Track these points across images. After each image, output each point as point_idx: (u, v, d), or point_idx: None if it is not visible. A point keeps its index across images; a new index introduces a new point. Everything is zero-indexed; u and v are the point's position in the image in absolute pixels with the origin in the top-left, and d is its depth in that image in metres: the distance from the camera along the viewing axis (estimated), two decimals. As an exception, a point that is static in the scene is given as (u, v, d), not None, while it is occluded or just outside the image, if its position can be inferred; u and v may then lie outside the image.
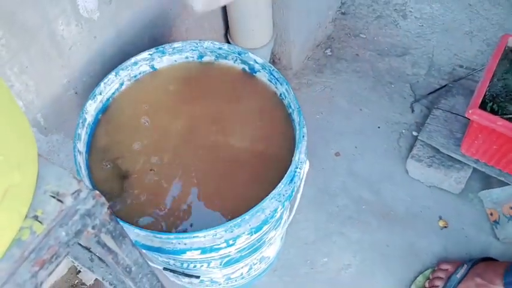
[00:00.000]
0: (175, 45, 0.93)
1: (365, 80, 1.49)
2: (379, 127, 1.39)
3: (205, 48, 0.94)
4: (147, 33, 1.02)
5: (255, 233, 0.76)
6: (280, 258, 1.19)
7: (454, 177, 1.22)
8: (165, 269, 0.91)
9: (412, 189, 1.28)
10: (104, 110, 0.90)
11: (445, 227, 1.23)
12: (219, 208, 0.82)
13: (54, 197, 0.44)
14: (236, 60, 0.94)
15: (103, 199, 0.46)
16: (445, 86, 1.42)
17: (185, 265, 0.87)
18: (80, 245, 0.88)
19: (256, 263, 1.00)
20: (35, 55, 0.79)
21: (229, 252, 0.81)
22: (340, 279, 1.17)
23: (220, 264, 0.88)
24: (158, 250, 0.75)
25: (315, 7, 1.46)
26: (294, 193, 0.80)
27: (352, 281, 1.17)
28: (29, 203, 0.43)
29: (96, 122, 0.89)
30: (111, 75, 0.89)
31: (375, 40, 1.57)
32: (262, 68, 0.91)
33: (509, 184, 1.19)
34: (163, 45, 0.93)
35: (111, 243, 0.51)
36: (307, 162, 0.83)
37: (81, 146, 0.83)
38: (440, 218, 1.24)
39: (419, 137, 1.29)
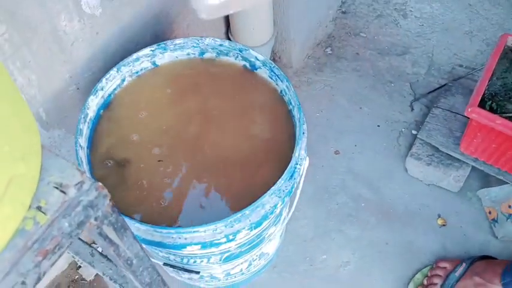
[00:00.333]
0: (177, 41, 0.94)
1: (365, 78, 1.49)
2: (378, 126, 1.40)
3: (207, 44, 0.94)
4: (149, 29, 1.02)
5: (255, 229, 0.77)
6: (279, 254, 1.20)
7: (453, 176, 1.23)
8: (165, 264, 0.91)
9: (411, 187, 1.29)
10: (106, 105, 0.91)
11: (444, 225, 1.23)
12: (219, 203, 0.82)
13: (57, 188, 0.44)
14: (237, 57, 0.94)
15: (105, 191, 0.46)
16: (444, 85, 1.42)
17: (185, 260, 0.88)
18: (81, 240, 0.88)
19: (256, 259, 1.00)
20: (38, 50, 0.80)
21: (229, 247, 0.82)
22: (339, 276, 1.18)
23: (220, 260, 0.89)
24: (158, 244, 0.75)
25: (315, 6, 1.47)
26: (293, 189, 0.80)
27: (350, 278, 1.18)
28: (33, 194, 0.43)
29: (98, 118, 0.89)
30: (113, 71, 0.90)
31: (375, 39, 1.58)
32: (263, 65, 0.91)
33: (508, 183, 1.19)
34: (165, 42, 0.93)
35: (112, 235, 0.52)
36: (307, 158, 0.84)
37: (83, 141, 0.83)
38: (439, 216, 1.24)
39: (418, 136, 1.29)
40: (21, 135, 0.42)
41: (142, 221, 0.79)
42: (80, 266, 1.15)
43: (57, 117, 0.91)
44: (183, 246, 0.75)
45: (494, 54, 1.11)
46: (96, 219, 0.47)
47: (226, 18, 1.31)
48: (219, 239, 0.75)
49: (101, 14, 0.88)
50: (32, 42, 0.78)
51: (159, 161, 0.86)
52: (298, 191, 0.88)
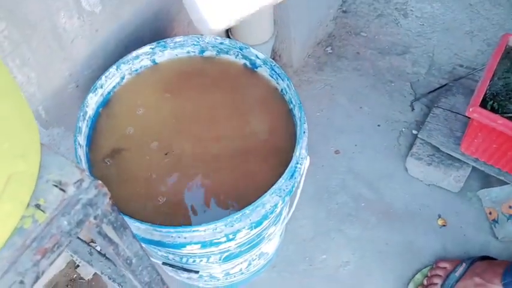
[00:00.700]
0: (177, 39, 0.93)
1: (365, 78, 1.49)
2: (379, 125, 1.39)
3: (207, 42, 0.94)
4: (149, 26, 1.02)
5: (255, 228, 0.77)
6: (279, 254, 1.19)
7: (453, 176, 1.23)
8: (164, 263, 0.91)
9: (411, 187, 1.29)
10: (105, 103, 0.90)
11: (444, 225, 1.23)
12: (218, 202, 0.82)
13: (56, 186, 0.44)
14: (237, 55, 0.94)
15: (105, 189, 0.46)
16: (445, 85, 1.42)
17: (184, 260, 0.87)
18: (79, 238, 0.88)
19: (256, 258, 1.00)
20: (37, 47, 0.79)
21: (229, 247, 0.81)
22: (339, 276, 1.17)
23: (220, 259, 0.89)
24: (158, 244, 0.75)
25: (316, 5, 1.46)
26: (294, 188, 0.80)
27: (350, 278, 1.17)
28: (32, 192, 0.43)
29: (97, 116, 0.89)
30: (112, 69, 0.89)
31: (376, 38, 1.58)
32: (264, 64, 0.91)
33: (509, 183, 1.19)
34: (164, 40, 0.93)
35: (112, 234, 0.51)
36: (308, 158, 0.83)
37: (82, 139, 0.83)
38: (439, 216, 1.24)
39: (419, 136, 1.29)
40: (20, 132, 0.42)
41: (139, 218, 0.78)
42: (78, 265, 1.15)
43: (57, 115, 0.90)
44: (183, 245, 0.74)
45: (495, 54, 1.10)
46: (95, 217, 0.46)
47: (227, 17, 1.31)
48: (219, 238, 0.74)
49: (100, 11, 0.87)
50: (32, 40, 0.78)
51: (159, 158, 0.86)
52: (299, 191, 0.87)
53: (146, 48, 0.92)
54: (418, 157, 1.26)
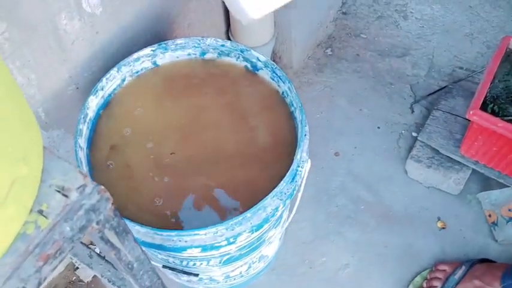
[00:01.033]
0: (178, 41, 0.93)
1: (365, 80, 1.49)
2: (378, 127, 1.39)
3: (208, 45, 0.93)
4: (149, 28, 1.01)
5: (255, 231, 0.76)
6: (278, 257, 1.19)
7: (453, 179, 1.23)
8: (164, 266, 0.90)
9: (411, 189, 1.29)
10: (106, 105, 0.90)
11: (444, 228, 1.23)
12: (219, 205, 0.82)
13: (59, 192, 0.43)
14: (239, 57, 0.93)
15: (108, 194, 0.46)
16: (445, 87, 1.42)
17: (184, 263, 0.87)
18: (80, 241, 0.87)
19: (256, 261, 0.99)
20: (38, 49, 0.79)
21: (230, 250, 0.81)
22: (338, 279, 1.17)
23: (220, 263, 0.88)
24: (158, 247, 0.74)
25: (316, 6, 1.46)
26: (295, 192, 0.80)
27: (350, 281, 1.17)
28: (35, 197, 0.42)
29: (97, 118, 0.88)
30: (113, 71, 0.89)
31: (376, 40, 1.57)
32: (265, 66, 0.91)
33: (508, 186, 1.19)
34: (165, 42, 0.92)
35: (114, 239, 0.51)
36: (309, 161, 0.83)
37: (82, 141, 0.83)
38: (439, 219, 1.24)
39: (418, 138, 1.29)
40: (23, 137, 0.41)
41: (136, 220, 0.77)
42: (77, 268, 1.14)
43: (57, 117, 0.90)
44: (184, 249, 0.74)
45: (495, 56, 1.10)
46: (98, 223, 0.46)
47: (227, 18, 1.30)
48: (220, 242, 0.74)
49: (101, 13, 0.87)
50: (32, 41, 0.77)
51: (160, 159, 0.86)
52: (300, 194, 0.87)
53: (147, 50, 0.92)
54: (417, 159, 1.26)
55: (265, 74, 0.92)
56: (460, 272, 1.10)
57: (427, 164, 1.25)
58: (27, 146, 0.42)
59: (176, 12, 1.08)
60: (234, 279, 1.03)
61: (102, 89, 0.88)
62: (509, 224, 1.17)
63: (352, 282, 1.17)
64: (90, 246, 0.89)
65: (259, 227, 0.76)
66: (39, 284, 0.41)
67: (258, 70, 0.93)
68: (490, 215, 1.22)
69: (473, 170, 1.22)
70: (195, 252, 0.75)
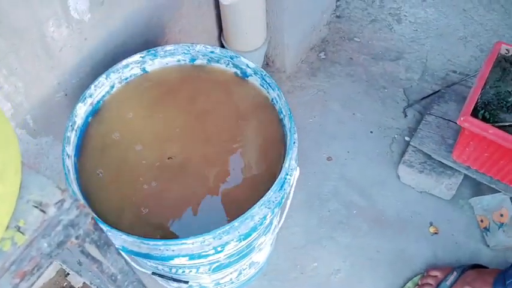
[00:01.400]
0: (167, 48, 0.93)
1: (358, 84, 1.49)
2: (371, 132, 1.39)
3: (197, 51, 0.93)
4: (139, 34, 1.01)
5: (243, 240, 0.76)
6: (270, 262, 1.19)
7: (445, 184, 1.23)
8: (153, 273, 0.90)
9: (403, 194, 1.28)
10: (94, 112, 0.89)
11: (436, 233, 1.23)
12: (207, 213, 0.81)
13: (37, 207, 0.43)
14: (228, 64, 0.93)
15: (87, 209, 0.45)
16: (438, 91, 1.42)
17: (173, 270, 0.87)
18: (68, 249, 0.87)
19: (246, 268, 0.99)
20: (25, 57, 0.78)
21: (218, 258, 0.81)
22: (330, 284, 1.17)
23: (209, 270, 0.88)
24: (146, 256, 0.74)
25: (309, 10, 1.46)
26: (283, 199, 0.79)
27: (341, 286, 1.17)
28: (11, 213, 0.42)
29: (86, 125, 0.88)
30: (102, 78, 0.88)
31: (369, 44, 1.57)
32: (254, 73, 0.90)
33: (500, 191, 1.19)
34: (155, 48, 0.92)
35: (95, 252, 0.51)
36: (298, 168, 0.83)
37: (70, 149, 0.82)
38: (431, 224, 1.24)
39: (411, 143, 1.29)
40: (0, 154, 0.41)
41: (121, 228, 0.76)
42: (68, 273, 1.14)
43: (45, 124, 0.89)
44: (171, 258, 0.74)
45: (487, 62, 1.10)
46: (77, 237, 0.46)
47: (219, 23, 1.30)
48: (207, 251, 0.74)
49: (89, 20, 0.87)
50: (19, 49, 0.77)
51: (148, 168, 0.85)
52: (289, 201, 0.87)
53: (136, 57, 0.91)
54: (410, 164, 1.26)
55: (255, 81, 0.92)
56: (451, 278, 1.10)
57: (419, 169, 1.25)
58: (4, 163, 0.41)
59: (167, 17, 1.08)
60: (225, 285, 1.02)
61: (91, 96, 0.87)
62: (501, 230, 1.17)
63: (344, 287, 1.17)
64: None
65: (247, 235, 0.76)
66: (16, 301, 0.41)
67: (247, 77, 0.93)
68: (482, 220, 1.21)
69: (465, 175, 1.22)
70: (183, 260, 0.75)
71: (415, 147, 1.27)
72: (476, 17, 1.59)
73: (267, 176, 0.83)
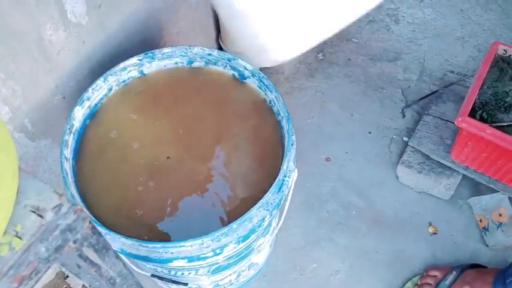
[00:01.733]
0: (165, 50, 0.93)
1: (356, 84, 1.49)
2: (370, 132, 1.39)
3: (195, 54, 0.93)
4: (137, 37, 1.01)
5: (242, 242, 0.76)
6: (269, 264, 1.19)
7: (443, 184, 1.23)
8: (153, 275, 0.90)
9: (402, 195, 1.29)
10: (92, 115, 0.89)
11: (435, 233, 1.23)
12: (206, 216, 0.81)
13: (34, 212, 0.43)
14: (226, 66, 0.93)
15: (85, 213, 0.45)
16: (436, 91, 1.42)
17: (173, 272, 0.87)
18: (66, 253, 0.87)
19: (245, 269, 0.99)
20: (22, 60, 0.78)
21: (217, 260, 0.81)
22: (329, 285, 1.17)
23: (208, 272, 0.88)
24: (144, 259, 0.74)
25: (307, 11, 1.46)
26: (282, 201, 0.79)
27: (341, 287, 1.17)
28: (8, 219, 0.42)
29: (84, 128, 0.88)
30: (100, 81, 0.88)
31: (367, 45, 1.57)
32: (252, 75, 0.91)
33: (499, 191, 1.19)
34: (152, 51, 0.92)
35: (93, 256, 0.51)
36: (296, 170, 0.83)
37: (68, 152, 0.82)
38: (430, 224, 1.24)
39: (409, 143, 1.29)
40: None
41: (119, 230, 0.76)
42: (67, 276, 1.14)
43: (43, 127, 0.89)
44: (170, 260, 0.74)
45: (485, 62, 1.10)
46: (75, 242, 0.46)
47: (217, 25, 1.30)
48: (206, 253, 0.74)
49: (87, 23, 0.87)
50: (17, 53, 0.77)
51: (147, 170, 0.85)
52: (287, 203, 0.87)
53: (134, 60, 0.91)
54: (408, 165, 1.26)
55: (252, 83, 0.92)
56: (450, 278, 1.10)
57: (418, 169, 1.25)
58: (2, 168, 0.42)
59: (165, 19, 1.08)
60: (224, 287, 1.02)
61: (89, 99, 0.87)
62: (500, 229, 1.17)
63: (343, 288, 1.17)
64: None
65: (245, 237, 0.76)
66: (14, 306, 0.41)
67: (245, 79, 0.93)
68: (481, 220, 1.22)
69: (464, 175, 1.23)
70: (182, 263, 0.75)
71: (414, 147, 1.27)
72: (473, 17, 1.59)
73: (265, 178, 0.83)
